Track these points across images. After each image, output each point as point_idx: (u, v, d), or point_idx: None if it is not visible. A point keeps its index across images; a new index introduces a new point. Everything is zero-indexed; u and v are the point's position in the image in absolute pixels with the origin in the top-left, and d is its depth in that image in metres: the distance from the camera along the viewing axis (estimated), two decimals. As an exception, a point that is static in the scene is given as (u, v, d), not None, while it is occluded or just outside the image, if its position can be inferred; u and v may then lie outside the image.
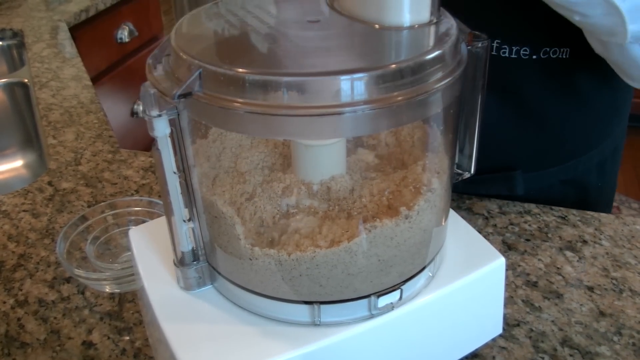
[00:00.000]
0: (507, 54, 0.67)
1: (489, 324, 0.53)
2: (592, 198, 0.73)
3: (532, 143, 0.74)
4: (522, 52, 0.66)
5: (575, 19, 0.55)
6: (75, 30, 1.46)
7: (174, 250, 0.46)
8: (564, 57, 0.66)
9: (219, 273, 0.46)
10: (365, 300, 0.44)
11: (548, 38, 0.65)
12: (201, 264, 0.47)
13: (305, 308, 0.43)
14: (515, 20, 0.64)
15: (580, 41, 0.61)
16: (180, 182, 0.42)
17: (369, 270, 0.43)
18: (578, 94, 0.71)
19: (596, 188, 0.80)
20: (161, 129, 0.39)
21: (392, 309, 0.45)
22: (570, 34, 0.60)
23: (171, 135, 0.40)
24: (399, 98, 0.36)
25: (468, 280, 0.48)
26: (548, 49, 0.66)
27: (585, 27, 0.58)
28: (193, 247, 0.46)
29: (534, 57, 0.66)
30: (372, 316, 0.45)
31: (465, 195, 0.75)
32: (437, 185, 0.45)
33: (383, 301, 0.44)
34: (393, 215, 0.42)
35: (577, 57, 0.65)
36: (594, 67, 0.64)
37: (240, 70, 0.35)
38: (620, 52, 0.59)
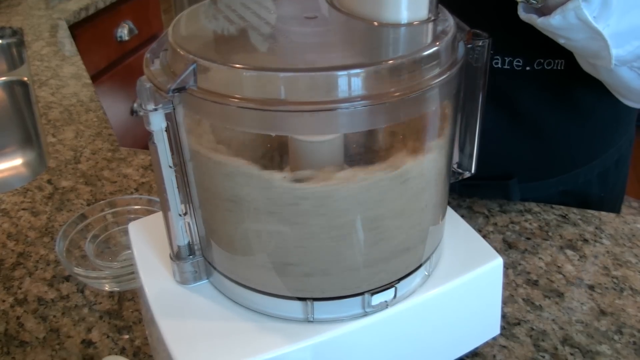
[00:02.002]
0: (499, 65, 0.65)
1: (486, 324, 0.53)
2: (594, 209, 0.72)
3: (528, 154, 0.72)
4: (515, 63, 0.65)
5: (561, 41, 0.54)
6: (75, 29, 1.46)
7: (170, 244, 0.46)
8: (559, 68, 0.64)
9: (215, 268, 0.46)
10: (359, 298, 0.43)
11: (542, 49, 0.63)
12: (197, 259, 0.47)
13: (298, 304, 0.43)
14: (507, 31, 0.60)
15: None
16: (176, 176, 0.42)
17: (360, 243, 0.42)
18: (575, 105, 0.69)
19: (598, 199, 0.78)
20: (157, 123, 0.39)
21: (387, 307, 0.45)
22: None
23: (167, 129, 0.40)
24: (396, 94, 0.35)
25: (464, 280, 0.48)
26: (542, 60, 0.64)
27: (572, 49, 0.56)
28: (189, 241, 0.46)
29: (528, 68, 0.65)
30: (366, 314, 0.44)
31: (465, 194, 0.74)
32: (432, 181, 0.44)
33: (377, 299, 0.44)
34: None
35: (573, 69, 0.62)
36: (592, 79, 0.61)
37: (235, 65, 0.35)
38: (608, 75, 0.57)
